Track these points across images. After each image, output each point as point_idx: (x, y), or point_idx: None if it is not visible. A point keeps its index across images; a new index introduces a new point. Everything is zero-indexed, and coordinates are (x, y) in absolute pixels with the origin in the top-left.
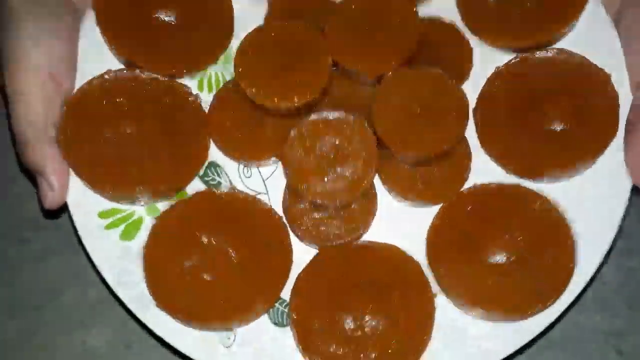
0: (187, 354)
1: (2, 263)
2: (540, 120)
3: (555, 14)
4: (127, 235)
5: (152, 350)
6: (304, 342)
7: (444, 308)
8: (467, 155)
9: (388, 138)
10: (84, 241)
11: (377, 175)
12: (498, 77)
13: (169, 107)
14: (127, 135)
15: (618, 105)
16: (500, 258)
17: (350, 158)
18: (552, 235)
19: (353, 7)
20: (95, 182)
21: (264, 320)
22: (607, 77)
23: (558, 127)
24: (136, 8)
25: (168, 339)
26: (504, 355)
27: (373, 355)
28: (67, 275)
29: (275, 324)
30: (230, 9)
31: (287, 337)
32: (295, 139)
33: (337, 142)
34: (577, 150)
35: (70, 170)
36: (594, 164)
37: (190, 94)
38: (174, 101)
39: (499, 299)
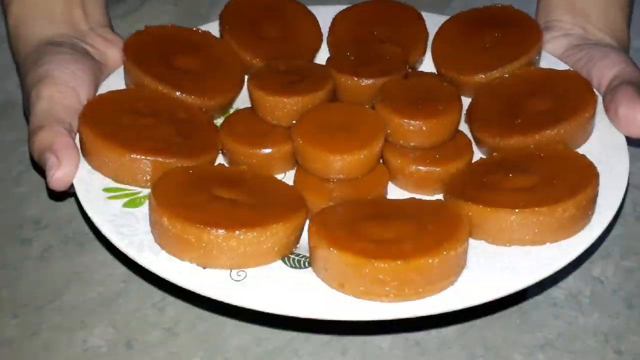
0: (199, 292)
1: (3, 263)
2: (527, 108)
3: (517, 52)
4: (131, 204)
5: (153, 349)
6: (330, 238)
7: (474, 247)
8: (467, 142)
9: (396, 115)
10: (84, 205)
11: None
12: (484, 89)
13: (183, 119)
14: (144, 127)
15: (591, 86)
16: (520, 187)
17: (359, 129)
18: (569, 163)
19: (349, 53)
20: (110, 144)
21: (278, 264)
22: (575, 72)
23: (544, 108)
24: (165, 63)
25: (168, 276)
26: (553, 270)
27: (406, 246)
28: (68, 275)
29: (292, 267)
30: (240, 65)
31: (305, 274)
32: (307, 117)
33: (345, 120)
34: (568, 112)
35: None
36: (585, 131)
37: (201, 111)
38: (187, 116)
39: (529, 204)
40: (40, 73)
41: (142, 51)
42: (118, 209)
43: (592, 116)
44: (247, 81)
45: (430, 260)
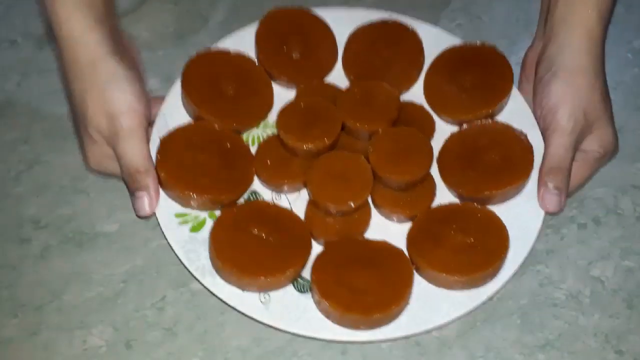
0: (236, 307)
1: (3, 263)
2: (479, 163)
3: (489, 99)
4: (195, 229)
5: (152, 349)
6: (322, 290)
7: (418, 282)
8: (433, 186)
9: (380, 169)
10: (165, 231)
11: (370, 199)
12: (453, 138)
13: (228, 149)
14: (200, 163)
15: (532, 153)
16: (456, 246)
17: (354, 180)
18: (491, 230)
19: (356, 90)
20: (180, 186)
21: (289, 288)
22: (524, 135)
23: (491, 166)
24: (211, 84)
25: (222, 297)
26: (462, 313)
27: (369, 299)
28: (67, 275)
29: (299, 290)
30: (271, 90)
31: (307, 299)
32: (317, 166)
33: (345, 169)
34: (504, 181)
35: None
36: (518, 192)
37: (242, 140)
38: (231, 145)
39: (456, 271)
40: (105, 96)
41: (194, 79)
42: (187, 234)
43: (525, 183)
44: (277, 117)
45: (381, 315)
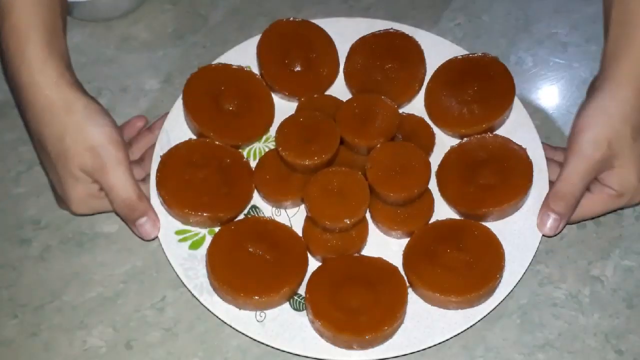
0: (232, 324)
1: (3, 263)
2: (478, 178)
3: (491, 113)
4: (194, 246)
5: (152, 349)
6: (315, 309)
7: (413, 300)
8: (431, 201)
9: (377, 186)
10: (164, 248)
11: (369, 214)
12: (452, 152)
13: (228, 165)
14: (199, 180)
15: (532, 170)
16: (452, 265)
17: (350, 197)
18: (487, 248)
19: (355, 104)
20: (179, 206)
21: (286, 306)
22: (524, 150)
23: (490, 182)
24: (212, 100)
25: (219, 315)
26: (456, 332)
27: (362, 319)
28: (67, 275)
29: (294, 309)
30: (272, 106)
31: (302, 317)
32: (314, 183)
33: (341, 186)
34: (502, 198)
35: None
36: (517, 209)
37: (242, 156)
38: (231, 161)
39: (451, 292)
40: (90, 141)
41: (195, 96)
42: (186, 252)
43: (523, 199)
44: (276, 134)
45: (374, 335)
